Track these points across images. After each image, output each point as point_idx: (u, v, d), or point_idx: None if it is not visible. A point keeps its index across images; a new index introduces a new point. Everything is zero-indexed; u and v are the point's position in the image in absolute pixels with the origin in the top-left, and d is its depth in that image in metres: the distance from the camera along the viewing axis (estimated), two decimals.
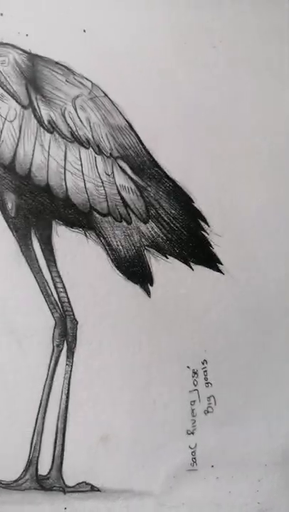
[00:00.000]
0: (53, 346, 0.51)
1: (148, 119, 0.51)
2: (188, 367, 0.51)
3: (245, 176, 0.53)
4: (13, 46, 0.50)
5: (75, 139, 0.50)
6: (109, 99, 0.51)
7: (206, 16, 0.55)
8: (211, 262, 0.52)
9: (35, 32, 0.50)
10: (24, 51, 0.50)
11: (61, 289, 0.51)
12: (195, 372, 0.51)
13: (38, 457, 0.50)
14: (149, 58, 0.52)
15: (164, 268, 0.53)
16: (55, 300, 0.51)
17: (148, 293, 0.52)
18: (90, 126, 0.50)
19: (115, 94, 0.53)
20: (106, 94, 0.50)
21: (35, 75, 0.50)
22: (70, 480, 0.50)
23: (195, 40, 0.53)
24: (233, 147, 0.52)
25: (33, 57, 0.50)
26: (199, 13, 0.54)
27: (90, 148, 0.50)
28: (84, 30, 0.51)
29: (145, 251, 0.52)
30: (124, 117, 0.51)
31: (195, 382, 0.51)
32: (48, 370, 0.50)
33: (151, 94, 0.51)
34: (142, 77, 0.52)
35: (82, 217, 0.51)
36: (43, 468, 0.50)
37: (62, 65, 0.51)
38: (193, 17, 0.53)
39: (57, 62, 0.51)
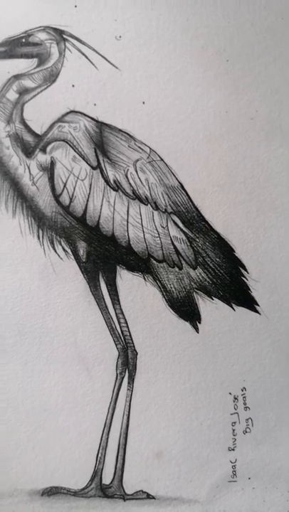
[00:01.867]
0: (117, 374, 0.56)
1: (196, 181, 0.58)
2: (229, 393, 0.57)
3: (278, 229, 0.57)
4: (83, 114, 0.57)
5: (136, 196, 0.56)
6: (164, 162, 0.57)
7: (244, 89, 0.58)
8: (250, 303, 0.57)
9: (102, 102, 0.57)
10: (92, 119, 0.57)
11: (124, 324, 0.57)
12: (235, 398, 0.57)
13: (102, 469, 0.56)
14: (197, 127, 0.58)
15: (210, 308, 0.57)
16: (118, 333, 0.57)
17: (196, 329, 0.57)
18: (149, 186, 0.56)
19: (169, 159, 0.57)
20: (162, 159, 0.57)
21: (102, 140, 0.56)
22: (129, 489, 0.56)
23: (235, 110, 0.58)
24: (267, 205, 0.57)
25: (100, 125, 0.56)
26: (239, 88, 0.58)
27: (149, 205, 0.56)
28: (143, 102, 0.57)
29: (194, 293, 0.57)
30: (176, 179, 0.57)
31: (235, 407, 0.57)
32: (112, 394, 0.56)
33: (199, 159, 0.57)
34: (191, 144, 0.58)
35: (142, 263, 0.56)
36: (106, 479, 0.56)
37: (124, 132, 0.57)
38: (232, 90, 0.58)
39: (120, 130, 0.57)
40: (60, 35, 0.57)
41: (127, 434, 0.56)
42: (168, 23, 0.58)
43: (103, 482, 0.56)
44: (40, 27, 0.57)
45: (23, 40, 0.56)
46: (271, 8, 0.60)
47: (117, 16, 0.58)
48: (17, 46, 0.56)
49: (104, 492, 0.56)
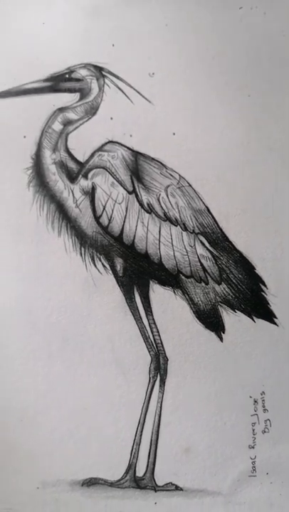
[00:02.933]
0: (149, 377, 0.59)
1: (221, 205, 0.60)
2: (250, 396, 0.59)
3: None
4: (120, 144, 0.59)
5: (167, 218, 0.59)
6: (192, 188, 0.59)
7: (264, 122, 0.60)
8: (269, 316, 0.59)
9: (137, 133, 0.59)
10: (128, 148, 0.59)
11: (156, 333, 0.59)
12: (255, 401, 0.59)
13: (136, 463, 0.59)
14: (221, 157, 0.60)
15: (233, 320, 0.59)
16: (151, 341, 0.59)
17: (221, 339, 0.59)
18: (178, 209, 0.59)
19: (197, 185, 0.59)
20: (190, 184, 0.59)
21: (137, 167, 0.59)
22: (159, 481, 0.59)
23: (256, 141, 0.60)
24: (284, 228, 0.60)
25: (135, 154, 0.59)
26: (259, 121, 0.61)
27: (178, 226, 0.59)
28: (173, 133, 0.60)
29: (219, 306, 0.59)
30: (203, 203, 0.59)
31: (255, 409, 0.59)
32: (145, 396, 0.59)
33: (223, 185, 0.60)
34: (216, 172, 0.60)
35: (172, 278, 0.59)
36: (140, 472, 0.59)
37: (157, 160, 0.59)
38: (253, 123, 0.60)
39: (153, 158, 0.59)
40: (99, 71, 0.59)
41: (158, 431, 0.59)
42: (196, 61, 0.60)
43: (137, 474, 0.59)
44: (81, 64, 0.60)
45: (67, 75, 0.59)
46: (288, 48, 0.61)
47: (150, 55, 0.60)
48: (61, 81, 0.59)
49: (138, 483, 0.59)
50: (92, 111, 0.59)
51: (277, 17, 0.61)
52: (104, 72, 0.59)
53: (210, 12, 0.61)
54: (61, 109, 0.59)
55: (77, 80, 0.59)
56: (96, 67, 0.59)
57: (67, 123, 0.59)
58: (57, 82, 0.59)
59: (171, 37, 0.60)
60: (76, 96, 0.60)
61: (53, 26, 0.61)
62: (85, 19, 0.61)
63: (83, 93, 0.59)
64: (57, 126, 0.59)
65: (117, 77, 0.59)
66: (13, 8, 0.62)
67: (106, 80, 0.59)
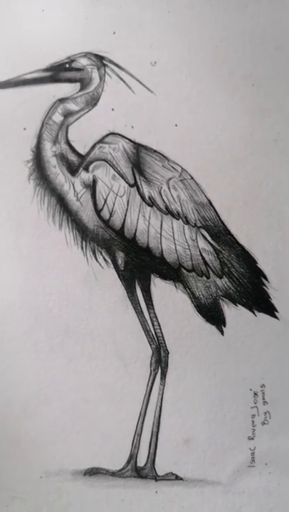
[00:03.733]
0: (151, 370, 0.59)
1: (223, 198, 0.59)
2: (250, 389, 0.60)
3: None
4: (122, 136, 0.59)
5: (169, 212, 0.59)
6: (194, 181, 0.59)
7: (268, 113, 0.59)
8: (270, 310, 0.59)
9: (138, 125, 0.59)
10: (130, 140, 0.59)
11: (157, 327, 0.59)
12: (255, 394, 0.60)
13: (137, 453, 0.60)
14: (224, 148, 0.59)
15: (234, 313, 0.60)
16: (152, 335, 0.60)
17: (222, 332, 0.59)
18: (180, 202, 0.59)
19: (199, 177, 0.59)
20: (192, 177, 0.59)
21: (138, 160, 0.59)
22: (160, 471, 0.60)
23: (259, 132, 0.60)
24: (286, 221, 0.59)
25: (137, 146, 0.59)
26: (263, 112, 0.60)
27: (180, 220, 0.59)
28: (176, 125, 0.59)
29: (220, 300, 0.60)
30: (205, 196, 0.59)
31: (255, 401, 0.60)
32: (146, 388, 0.60)
33: (225, 177, 0.59)
34: (219, 164, 0.59)
35: (173, 272, 0.59)
36: (141, 461, 0.60)
37: (159, 152, 0.59)
38: (257, 114, 0.60)
39: (155, 150, 0.59)
40: (100, 60, 0.58)
41: (159, 422, 0.60)
42: (198, 49, 0.59)
43: (138, 464, 0.60)
44: (81, 53, 0.59)
45: (67, 65, 0.58)
46: None
47: (152, 43, 0.59)
48: (61, 71, 0.58)
49: (139, 473, 0.60)
50: (93, 102, 0.59)
51: (284, 3, 0.60)
52: (105, 62, 0.58)
53: None
54: (61, 100, 0.58)
55: (78, 69, 0.58)
56: (97, 56, 0.58)
57: (67, 114, 0.58)
58: (57, 72, 0.58)
59: (173, 24, 0.59)
60: (77, 86, 0.59)
61: (53, 13, 0.60)
62: (86, 6, 0.59)
63: (84, 83, 0.59)
64: (57, 117, 0.58)
65: (119, 66, 0.58)
66: None
67: (107, 70, 0.58)
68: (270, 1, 0.60)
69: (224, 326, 0.59)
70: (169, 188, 0.59)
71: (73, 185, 0.58)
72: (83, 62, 0.58)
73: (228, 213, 0.59)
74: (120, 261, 0.59)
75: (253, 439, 0.60)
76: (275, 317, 0.60)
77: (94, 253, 0.59)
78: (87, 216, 0.59)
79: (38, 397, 0.60)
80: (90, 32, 0.59)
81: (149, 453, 0.60)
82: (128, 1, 0.60)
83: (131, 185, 0.58)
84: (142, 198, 0.58)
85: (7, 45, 0.60)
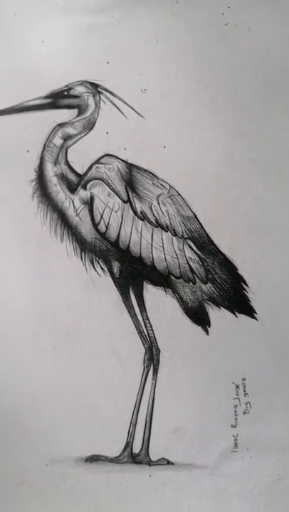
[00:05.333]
0: (144, 367, 0.62)
1: (206, 212, 0.62)
2: (232, 382, 0.63)
3: (273, 252, 0.62)
4: (116, 157, 0.61)
5: (159, 225, 0.61)
6: (181, 197, 0.62)
7: (247, 134, 0.62)
8: (249, 311, 0.62)
9: (131, 147, 0.62)
10: (123, 161, 0.61)
11: (149, 328, 0.62)
12: (237, 386, 0.62)
13: (132, 441, 0.62)
14: (207, 167, 0.62)
15: (217, 315, 0.62)
16: (145, 335, 0.62)
17: (207, 332, 0.62)
18: (168, 216, 0.61)
19: (185, 194, 0.62)
20: (179, 194, 0.62)
21: (131, 178, 0.61)
22: (153, 456, 0.62)
23: (239, 152, 0.62)
24: (264, 232, 0.62)
25: (129, 166, 0.61)
26: (243, 133, 0.62)
27: (169, 232, 0.61)
28: (164, 146, 0.62)
29: (205, 303, 0.62)
30: (191, 210, 0.62)
31: (237, 393, 0.62)
32: (140, 383, 0.62)
33: (208, 193, 0.62)
34: (203, 181, 0.62)
35: (163, 279, 0.62)
36: (136, 449, 0.62)
37: (149, 172, 0.62)
38: (237, 135, 0.62)
39: (146, 170, 0.62)
40: (95, 88, 0.61)
41: (152, 413, 0.62)
42: (184, 77, 0.62)
43: (133, 451, 0.62)
44: (78, 81, 0.61)
45: (65, 92, 0.61)
46: (271, 64, 0.63)
47: (142, 71, 0.62)
48: (60, 98, 0.61)
49: (134, 459, 0.62)
50: (90, 126, 0.61)
51: (261, 33, 0.63)
52: (99, 89, 0.61)
53: (198, 29, 0.62)
54: (61, 125, 0.61)
55: (75, 96, 0.61)
56: (92, 84, 0.61)
57: (67, 137, 0.61)
58: (56, 99, 0.61)
59: (161, 54, 0.62)
60: (74, 112, 0.61)
61: (52, 44, 0.62)
62: (81, 38, 0.62)
63: (81, 109, 0.61)
64: (57, 140, 0.61)
65: (112, 93, 0.61)
66: (16, 28, 0.62)
67: (102, 96, 0.61)
68: (248, 31, 0.63)
69: (209, 327, 0.62)
70: (158, 204, 0.61)
71: (73, 202, 0.61)
72: (80, 89, 0.61)
73: (211, 225, 0.62)
74: (116, 269, 0.61)
75: (235, 426, 0.62)
76: (254, 318, 0.62)
77: (92, 263, 0.61)
78: (86, 230, 0.61)
79: (43, 391, 0.62)
80: (85, 61, 0.62)
81: (143, 441, 0.62)
82: (120, 33, 0.62)
83: (125, 202, 0.61)
84: (135, 212, 0.61)
85: (10, 74, 0.62)
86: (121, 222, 0.61)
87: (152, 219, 0.61)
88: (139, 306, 0.62)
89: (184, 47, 0.63)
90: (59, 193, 0.61)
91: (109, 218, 0.61)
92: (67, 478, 0.62)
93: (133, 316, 0.62)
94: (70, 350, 0.62)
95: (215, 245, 0.62)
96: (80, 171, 0.62)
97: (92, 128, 0.62)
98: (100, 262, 0.62)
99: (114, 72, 0.62)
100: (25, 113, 0.61)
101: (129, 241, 0.61)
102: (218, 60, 0.63)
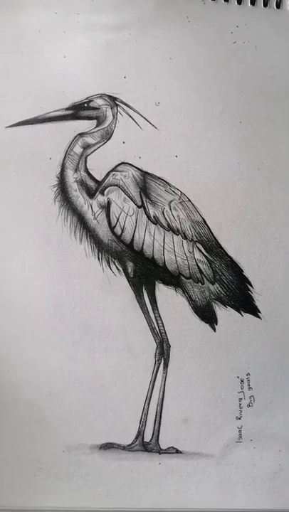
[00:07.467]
0: (155, 361, 0.63)
1: (215, 217, 0.64)
2: (237, 377, 0.64)
3: (276, 255, 0.64)
4: (131, 165, 0.63)
5: (170, 229, 0.63)
6: (191, 203, 0.64)
7: (253, 146, 0.64)
8: (254, 311, 0.64)
9: (145, 156, 0.63)
10: (138, 169, 0.63)
11: (160, 325, 0.63)
12: (242, 380, 0.64)
13: (144, 430, 0.64)
14: (216, 176, 0.64)
15: (224, 314, 0.64)
16: (157, 331, 0.63)
17: (214, 329, 0.64)
18: (179, 220, 0.63)
19: (195, 200, 0.64)
20: (189, 200, 0.64)
21: (145, 185, 0.63)
22: (163, 445, 0.64)
23: (245, 162, 0.63)
24: (268, 237, 0.64)
25: (144, 173, 0.63)
26: (249, 145, 0.64)
27: (179, 235, 0.63)
28: (176, 156, 0.63)
29: (213, 302, 0.64)
30: (200, 215, 0.64)
31: (242, 387, 0.64)
32: (152, 376, 0.63)
33: (217, 200, 0.64)
34: (211, 189, 0.64)
35: (174, 279, 0.63)
36: (147, 437, 0.64)
37: (162, 179, 0.64)
38: (244, 147, 0.64)
39: (159, 177, 0.64)
40: (113, 101, 0.63)
41: (162, 404, 0.63)
42: (195, 91, 0.64)
43: (144, 440, 0.64)
44: (97, 94, 0.63)
45: (85, 105, 0.63)
46: (276, 80, 0.65)
47: (156, 86, 0.64)
48: (80, 110, 0.63)
49: (145, 447, 0.63)
50: (107, 136, 0.63)
51: (267, 51, 0.65)
52: (117, 102, 0.63)
53: (208, 47, 0.64)
54: (81, 135, 0.63)
55: (95, 108, 0.63)
56: (110, 97, 0.63)
57: (86, 146, 0.63)
58: (77, 111, 0.63)
59: (174, 70, 0.64)
60: (94, 123, 0.63)
61: (73, 60, 0.64)
62: (101, 54, 0.64)
63: (100, 120, 0.63)
64: (77, 149, 0.63)
65: (128, 105, 0.63)
66: (40, 44, 0.64)
67: (119, 109, 0.63)
68: (255, 49, 0.65)
69: (216, 324, 0.64)
70: (170, 209, 0.63)
71: (91, 206, 0.63)
72: (99, 102, 0.63)
73: (219, 230, 0.64)
74: (130, 269, 0.63)
75: (240, 418, 0.64)
76: (258, 317, 0.64)
77: (108, 263, 0.63)
78: (103, 232, 0.63)
79: (62, 383, 0.63)
80: (104, 76, 0.64)
81: (153, 430, 0.64)
82: (136, 50, 0.64)
83: (139, 207, 0.63)
84: (148, 217, 0.63)
85: (35, 87, 0.64)
86: (135, 226, 0.62)
87: (164, 223, 0.63)
88: (151, 304, 0.63)
89: (195, 63, 0.65)
90: (78, 197, 0.63)
91: (125, 222, 0.62)
92: (82, 464, 0.63)
93: (146, 313, 0.63)
94: (87, 344, 0.63)
95: (222, 248, 0.64)
96: (98, 178, 0.64)
97: (109, 138, 0.63)
98: (116, 263, 0.63)
99: (131, 86, 0.64)
100: (48, 123, 0.63)
101: (143, 243, 0.63)
102: (226, 76, 0.65)
